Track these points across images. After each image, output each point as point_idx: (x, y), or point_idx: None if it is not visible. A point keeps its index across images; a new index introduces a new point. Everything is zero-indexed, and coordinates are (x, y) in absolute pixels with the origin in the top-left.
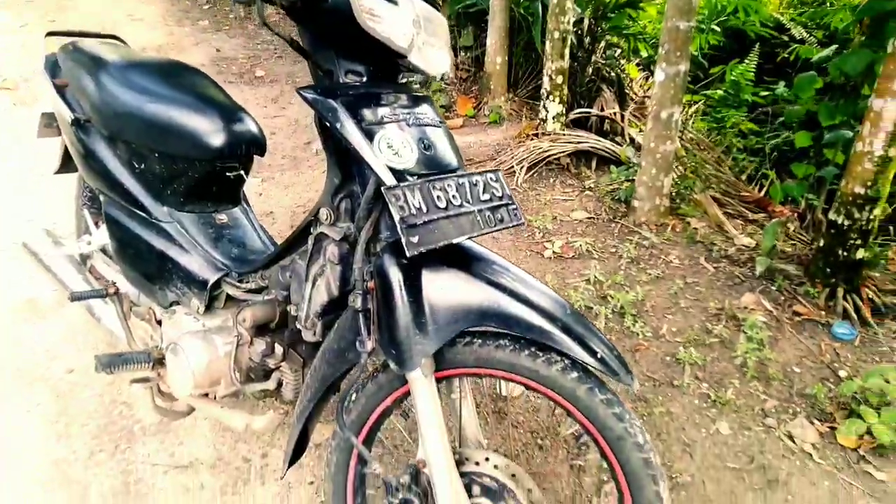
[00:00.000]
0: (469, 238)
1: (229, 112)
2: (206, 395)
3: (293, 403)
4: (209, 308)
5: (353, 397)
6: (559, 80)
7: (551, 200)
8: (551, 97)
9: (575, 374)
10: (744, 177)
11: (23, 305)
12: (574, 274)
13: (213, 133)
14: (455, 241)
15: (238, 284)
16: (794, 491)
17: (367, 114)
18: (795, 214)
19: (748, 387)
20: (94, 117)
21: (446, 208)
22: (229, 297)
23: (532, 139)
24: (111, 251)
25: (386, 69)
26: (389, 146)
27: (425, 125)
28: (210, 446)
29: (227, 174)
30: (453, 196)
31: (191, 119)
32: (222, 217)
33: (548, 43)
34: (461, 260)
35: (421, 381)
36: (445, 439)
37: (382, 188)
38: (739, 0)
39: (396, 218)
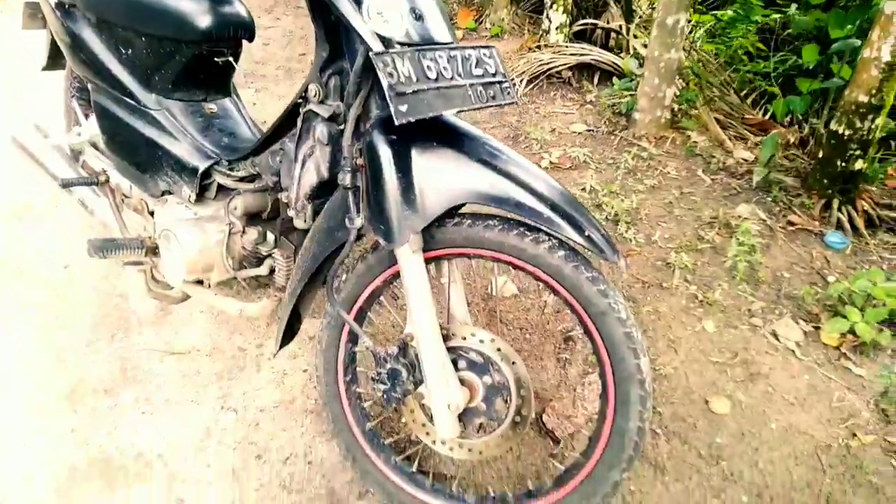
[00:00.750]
0: (460, 112)
1: None
2: (200, 282)
3: (285, 289)
4: (201, 197)
5: (344, 277)
6: None
7: (551, 113)
8: (555, 6)
9: (562, 253)
10: (749, 100)
11: (20, 208)
12: (570, 183)
13: (200, 14)
14: (445, 113)
15: (228, 173)
16: (774, 383)
17: None
18: (797, 127)
19: (736, 289)
20: (78, 1)
21: (437, 80)
22: (221, 187)
23: (534, 51)
24: (102, 142)
25: None
26: (379, 13)
27: None
28: (206, 336)
29: (216, 59)
30: (444, 68)
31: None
32: (212, 106)
33: None
34: (452, 138)
35: (409, 257)
36: (433, 313)
37: (371, 54)
38: None
39: (385, 84)
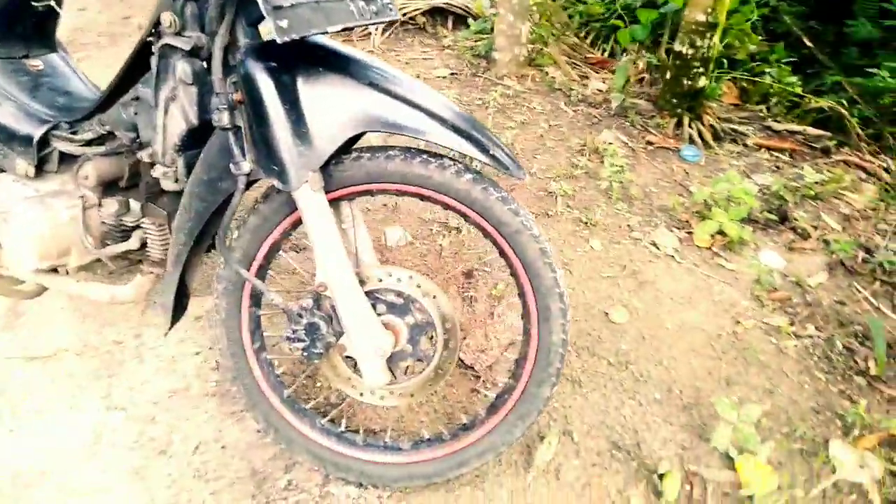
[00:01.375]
0: (344, 29)
1: None
2: (55, 270)
3: (162, 263)
4: (39, 170)
5: (236, 233)
6: None
7: (411, 60)
8: None
9: (469, 176)
10: (588, 40)
11: None
12: None
13: None
14: (329, 30)
15: (72, 137)
16: (661, 288)
17: None
18: (643, 52)
19: (614, 208)
20: None
21: None
22: (63, 156)
23: None
24: None
25: None
26: None
27: None
28: (72, 333)
29: (35, 3)
30: None
31: None
32: (36, 63)
33: None
34: (337, 62)
35: (310, 199)
36: (345, 257)
37: None
38: None
39: None
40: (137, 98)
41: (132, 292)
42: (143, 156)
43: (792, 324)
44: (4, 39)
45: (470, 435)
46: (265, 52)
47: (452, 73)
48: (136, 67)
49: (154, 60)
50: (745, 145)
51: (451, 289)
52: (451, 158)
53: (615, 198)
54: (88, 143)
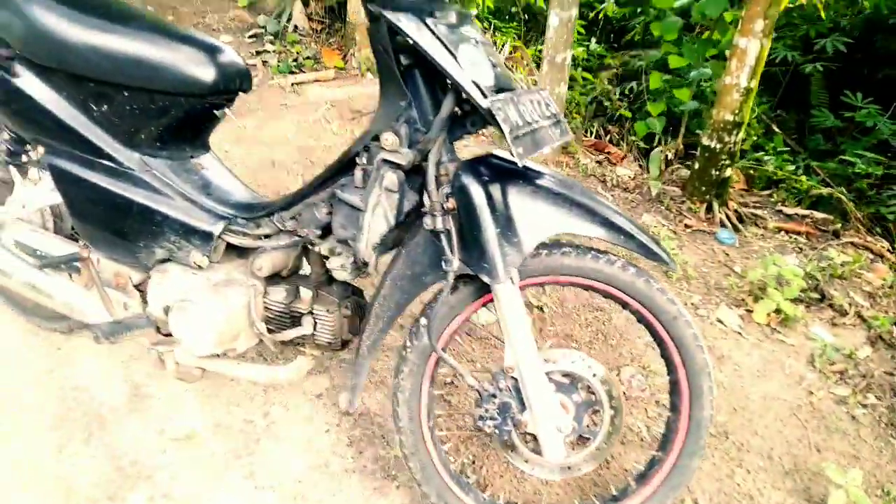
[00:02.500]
0: (550, 148)
1: (211, 44)
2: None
3: (328, 347)
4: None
5: (423, 320)
6: None
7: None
8: None
9: (633, 270)
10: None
11: None
12: None
13: (205, 65)
14: (544, 151)
15: (247, 231)
16: (737, 362)
17: (442, 29)
18: (680, 143)
19: (677, 287)
20: (29, 51)
21: (529, 123)
22: (229, 246)
23: None
24: (67, 212)
25: None
26: (472, 63)
27: (481, 43)
28: (202, 414)
29: (215, 111)
30: (532, 111)
31: (178, 51)
32: (200, 162)
33: None
34: (531, 175)
35: (508, 290)
36: (533, 341)
37: (487, 101)
38: None
39: (506, 130)
40: (334, 200)
41: (294, 374)
42: (323, 249)
43: (854, 393)
44: (175, 142)
45: None
46: (475, 167)
47: None
48: (334, 175)
49: (359, 170)
50: (766, 228)
51: None
52: (613, 254)
53: (674, 278)
54: (262, 236)
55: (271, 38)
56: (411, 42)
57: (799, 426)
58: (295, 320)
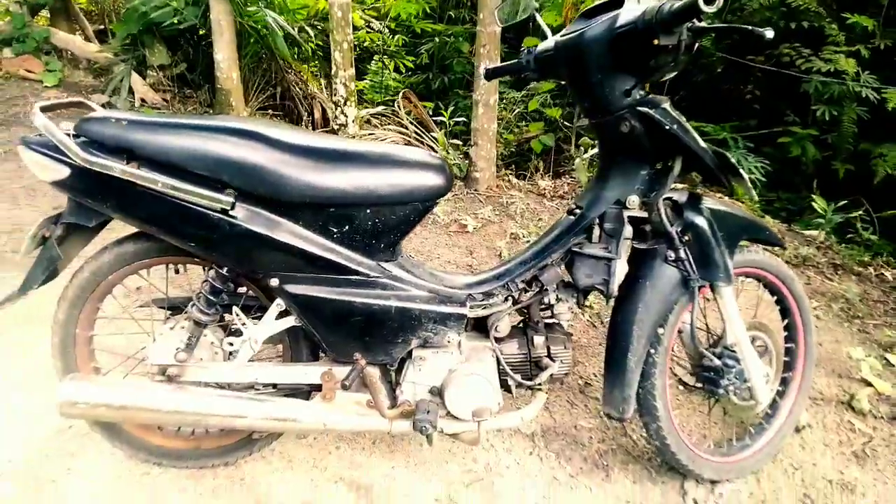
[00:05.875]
0: None
1: (427, 153)
2: None
3: (560, 380)
4: None
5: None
6: (352, 86)
7: None
8: (349, 103)
9: (772, 255)
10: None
11: None
12: (489, 241)
13: (436, 172)
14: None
15: (485, 303)
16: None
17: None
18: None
19: None
20: (273, 194)
21: None
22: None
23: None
24: (311, 331)
25: None
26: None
27: None
28: (464, 459)
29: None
30: None
31: (412, 165)
32: (407, 252)
33: (336, 53)
34: (716, 205)
35: (729, 287)
36: (742, 322)
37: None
38: None
39: (745, 177)
40: (579, 255)
41: (537, 408)
42: (551, 298)
43: None
44: (399, 243)
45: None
46: (694, 205)
47: None
48: (563, 237)
49: (596, 229)
50: None
51: None
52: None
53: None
54: (493, 304)
55: None
56: (668, 130)
57: None
58: (535, 363)
